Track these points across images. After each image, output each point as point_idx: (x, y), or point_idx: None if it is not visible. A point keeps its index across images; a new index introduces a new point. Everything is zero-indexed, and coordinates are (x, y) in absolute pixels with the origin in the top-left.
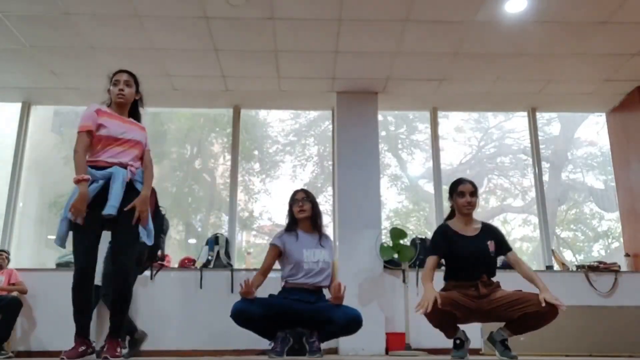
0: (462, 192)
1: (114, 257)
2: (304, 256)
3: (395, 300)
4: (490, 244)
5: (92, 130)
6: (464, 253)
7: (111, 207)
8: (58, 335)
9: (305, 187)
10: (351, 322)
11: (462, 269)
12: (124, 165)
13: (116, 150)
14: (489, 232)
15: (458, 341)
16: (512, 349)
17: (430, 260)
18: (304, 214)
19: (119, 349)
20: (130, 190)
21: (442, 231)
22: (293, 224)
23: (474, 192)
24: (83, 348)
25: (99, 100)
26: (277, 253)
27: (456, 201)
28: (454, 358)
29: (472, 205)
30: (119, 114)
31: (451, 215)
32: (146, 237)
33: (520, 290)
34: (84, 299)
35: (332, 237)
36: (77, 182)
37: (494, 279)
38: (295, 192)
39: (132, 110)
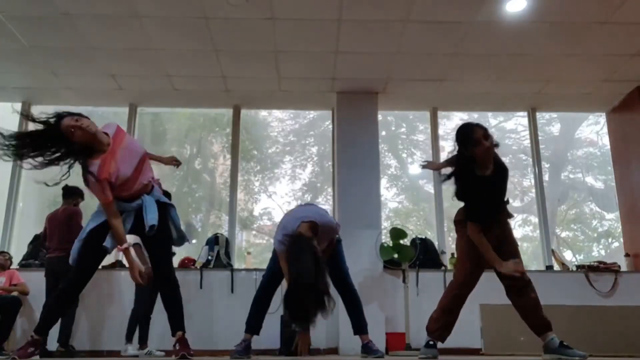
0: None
1: (155, 266)
2: None
3: (395, 300)
4: None
5: None
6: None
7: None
8: (57, 336)
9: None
10: None
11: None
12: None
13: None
14: None
15: (432, 342)
16: (512, 347)
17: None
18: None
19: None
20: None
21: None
22: None
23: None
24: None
25: (98, 100)
26: None
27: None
28: (425, 357)
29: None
30: None
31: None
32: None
33: None
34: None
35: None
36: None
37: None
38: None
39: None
